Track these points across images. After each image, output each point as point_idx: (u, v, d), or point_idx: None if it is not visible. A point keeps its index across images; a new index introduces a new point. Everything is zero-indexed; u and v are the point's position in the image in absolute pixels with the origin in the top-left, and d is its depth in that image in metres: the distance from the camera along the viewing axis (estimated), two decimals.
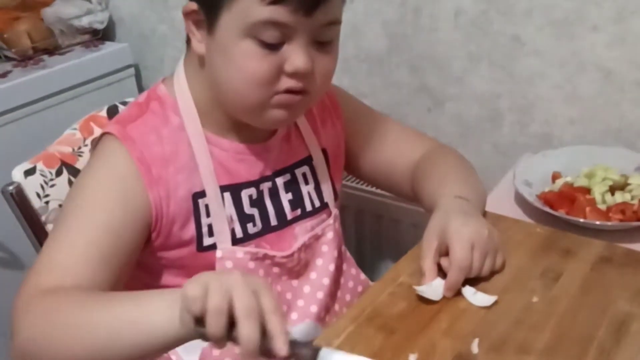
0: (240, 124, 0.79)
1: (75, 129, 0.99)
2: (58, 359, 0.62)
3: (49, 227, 0.92)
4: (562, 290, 0.73)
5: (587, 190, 0.91)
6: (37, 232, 0.91)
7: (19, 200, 0.89)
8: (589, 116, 1.08)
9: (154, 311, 0.59)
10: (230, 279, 0.55)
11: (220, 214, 0.79)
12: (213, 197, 0.78)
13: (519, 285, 0.74)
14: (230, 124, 0.80)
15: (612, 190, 0.90)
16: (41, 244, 0.91)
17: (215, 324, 0.53)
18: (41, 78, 1.38)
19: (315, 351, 0.55)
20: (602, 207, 0.88)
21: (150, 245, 0.78)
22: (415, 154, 0.93)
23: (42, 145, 0.95)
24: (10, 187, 0.89)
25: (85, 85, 1.48)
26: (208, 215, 0.79)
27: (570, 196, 0.89)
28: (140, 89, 1.61)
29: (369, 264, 1.25)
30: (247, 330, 0.53)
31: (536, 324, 0.68)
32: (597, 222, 0.84)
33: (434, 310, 0.71)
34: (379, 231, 1.26)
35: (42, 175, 0.92)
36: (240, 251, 0.80)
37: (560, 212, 0.87)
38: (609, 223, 0.84)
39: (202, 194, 0.78)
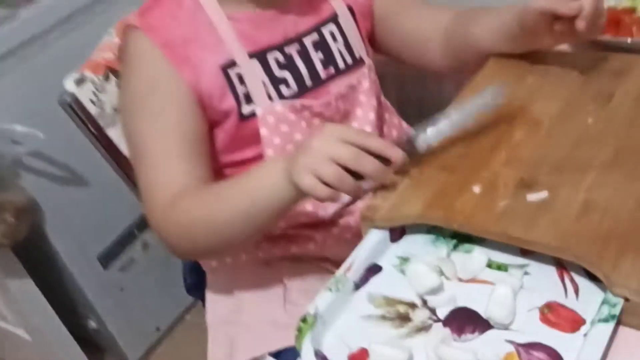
0: None
1: (111, 33, 1.01)
2: (209, 239, 0.76)
3: (109, 131, 0.96)
4: (616, 108, 0.74)
5: (632, 11, 0.88)
6: (99, 138, 0.96)
7: (77, 108, 0.93)
8: None
9: (265, 175, 0.70)
10: (319, 149, 0.64)
11: (254, 77, 0.82)
12: (244, 62, 0.81)
13: (572, 111, 0.75)
14: None
15: None
16: (105, 148, 0.96)
17: (346, 186, 0.64)
18: None
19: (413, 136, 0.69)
20: None
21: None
22: (444, 18, 0.92)
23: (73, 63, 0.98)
24: (66, 98, 0.93)
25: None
26: (242, 83, 0.81)
27: (615, 19, 0.87)
28: None
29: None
30: (368, 167, 0.64)
31: (593, 143, 0.69)
32: None
33: (490, 146, 0.72)
34: (422, 95, 1.26)
35: (92, 82, 0.96)
36: (278, 104, 0.83)
37: (607, 36, 0.86)
38: None
39: (230, 64, 0.81)
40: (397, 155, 0.66)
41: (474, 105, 0.71)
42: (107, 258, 1.50)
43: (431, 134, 0.70)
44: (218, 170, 0.88)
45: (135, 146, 0.82)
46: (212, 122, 0.84)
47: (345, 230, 0.89)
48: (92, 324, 1.57)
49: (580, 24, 0.71)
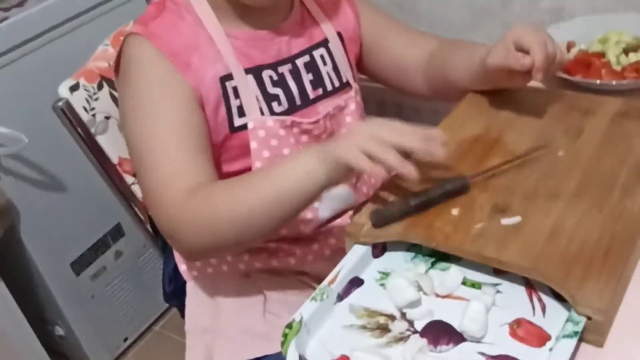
0: (248, 12, 0.85)
1: (107, 44, 1.04)
2: (232, 228, 0.74)
3: (99, 138, 0.98)
4: (585, 142, 0.79)
5: (601, 55, 0.95)
6: (89, 144, 0.98)
7: (69, 114, 0.95)
8: None
9: (299, 163, 0.73)
10: (363, 131, 0.70)
11: (248, 92, 0.85)
12: (240, 76, 0.85)
13: (544, 143, 0.80)
14: (238, 13, 0.86)
15: (626, 52, 0.95)
16: (94, 154, 0.99)
17: (392, 157, 0.67)
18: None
19: None
20: (617, 68, 0.93)
21: None
22: (427, 48, 0.97)
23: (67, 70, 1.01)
24: (60, 103, 0.95)
25: (96, 8, 1.49)
26: (236, 97, 0.85)
27: (586, 61, 0.94)
28: None
29: None
30: (412, 142, 0.68)
31: (564, 173, 0.75)
32: (614, 82, 0.90)
33: (468, 172, 0.77)
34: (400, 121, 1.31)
35: (85, 90, 0.98)
36: (270, 120, 0.86)
37: (577, 77, 0.92)
38: (625, 82, 0.90)
39: (228, 77, 0.85)
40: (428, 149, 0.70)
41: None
42: (79, 265, 1.51)
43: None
44: None
45: (143, 144, 0.80)
46: None
47: (325, 247, 0.93)
48: (60, 330, 1.56)
49: (537, 76, 0.77)
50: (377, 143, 0.68)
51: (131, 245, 1.61)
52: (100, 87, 1.00)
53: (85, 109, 0.97)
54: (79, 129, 0.96)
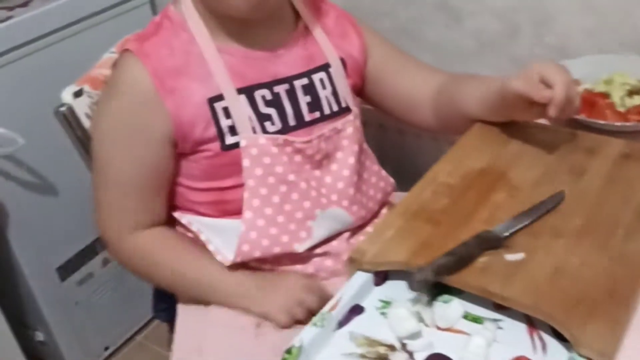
0: (243, 29, 0.86)
1: (113, 52, 1.03)
2: (150, 278, 0.96)
3: None
4: (589, 183, 0.80)
5: (606, 96, 0.96)
6: (89, 151, 0.97)
7: (72, 120, 0.94)
8: (604, 27, 1.13)
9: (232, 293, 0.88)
10: (293, 300, 0.84)
11: (240, 112, 0.85)
12: (231, 97, 0.85)
13: (548, 180, 0.81)
14: (233, 30, 0.86)
15: (630, 94, 0.96)
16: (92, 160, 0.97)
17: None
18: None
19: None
20: (621, 109, 0.94)
21: (180, 153, 0.88)
22: (436, 82, 0.98)
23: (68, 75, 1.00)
24: (63, 108, 0.94)
25: (102, 14, 1.49)
26: (227, 117, 0.85)
27: (591, 101, 0.95)
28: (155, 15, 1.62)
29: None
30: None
31: (567, 212, 0.75)
32: (617, 124, 0.91)
33: (473, 204, 0.78)
34: (401, 146, 1.32)
35: (89, 97, 0.97)
36: (262, 138, 0.86)
37: (582, 116, 0.93)
38: (628, 124, 0.91)
39: (217, 98, 0.85)
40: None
41: (542, 209, 0.76)
42: (66, 270, 1.49)
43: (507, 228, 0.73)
44: (198, 193, 0.91)
45: (100, 165, 0.89)
46: (191, 149, 0.87)
47: (321, 269, 0.92)
48: (40, 336, 1.54)
49: (552, 111, 0.77)
50: (303, 309, 0.83)
51: None
52: None
53: (87, 115, 0.96)
54: (80, 136, 0.95)
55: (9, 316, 1.39)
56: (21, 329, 1.50)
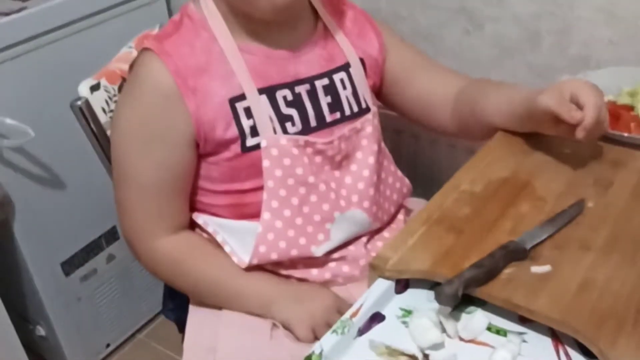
0: (265, 29, 0.85)
1: (131, 47, 1.02)
2: (173, 284, 0.94)
3: None
4: (615, 196, 0.78)
5: (630, 108, 0.95)
6: (103, 146, 0.96)
7: (88, 114, 0.93)
8: (627, 38, 1.11)
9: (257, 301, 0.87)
10: (320, 319, 0.84)
11: (262, 112, 0.84)
12: (253, 97, 0.84)
13: (573, 192, 0.79)
14: (255, 30, 0.85)
15: None
16: (106, 155, 0.96)
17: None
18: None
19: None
20: None
21: (201, 154, 0.86)
22: (456, 85, 0.96)
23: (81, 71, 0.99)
24: (79, 102, 0.92)
25: (116, 8, 1.47)
26: (248, 117, 0.84)
27: (615, 113, 0.93)
28: (170, 12, 1.61)
29: None
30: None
31: (594, 225, 0.74)
32: None
33: (497, 214, 0.76)
34: (417, 152, 1.30)
35: (106, 91, 0.96)
36: (283, 138, 0.85)
37: None
38: None
39: (239, 98, 0.83)
40: None
41: (564, 218, 0.74)
42: (70, 265, 1.47)
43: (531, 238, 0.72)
44: (216, 196, 0.89)
45: (120, 165, 0.88)
46: (212, 151, 0.85)
47: (338, 275, 0.91)
48: (41, 330, 1.52)
49: (580, 134, 0.76)
50: (327, 327, 0.78)
51: (124, 249, 1.54)
52: (120, 89, 0.97)
53: (104, 110, 0.95)
54: (95, 130, 0.94)
55: (10, 310, 1.38)
56: (22, 323, 1.49)
